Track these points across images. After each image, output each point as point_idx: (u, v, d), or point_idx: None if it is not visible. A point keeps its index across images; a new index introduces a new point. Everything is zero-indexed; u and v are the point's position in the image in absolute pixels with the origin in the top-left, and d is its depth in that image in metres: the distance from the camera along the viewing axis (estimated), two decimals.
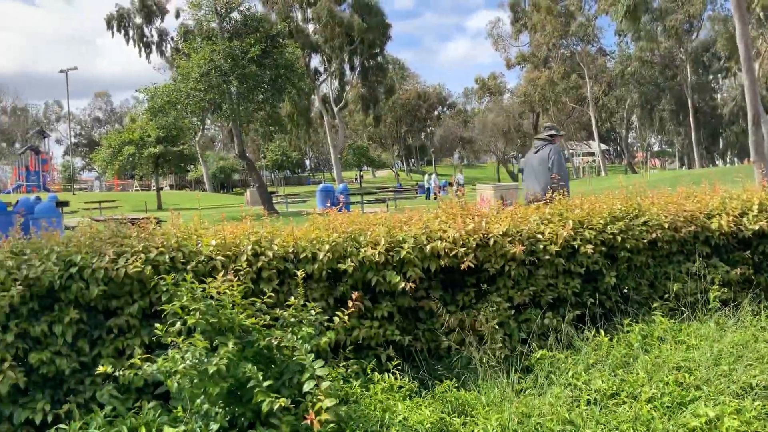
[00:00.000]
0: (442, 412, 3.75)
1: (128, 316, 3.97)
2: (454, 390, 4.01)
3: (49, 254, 3.89)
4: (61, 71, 53.62)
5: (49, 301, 3.88)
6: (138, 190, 62.56)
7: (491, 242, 4.72)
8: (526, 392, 4.07)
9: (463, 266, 4.59)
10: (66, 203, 28.98)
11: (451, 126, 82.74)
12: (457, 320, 4.58)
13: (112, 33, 59.58)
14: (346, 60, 52.81)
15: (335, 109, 53.45)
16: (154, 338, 3.91)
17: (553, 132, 8.34)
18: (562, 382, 4.10)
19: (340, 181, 48.11)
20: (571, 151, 71.09)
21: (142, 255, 3.96)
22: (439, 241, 4.63)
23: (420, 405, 3.80)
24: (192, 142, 48.09)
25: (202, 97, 22.99)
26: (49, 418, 3.66)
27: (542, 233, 4.99)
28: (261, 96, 24.83)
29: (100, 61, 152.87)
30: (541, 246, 4.92)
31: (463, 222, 4.84)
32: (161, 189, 42.94)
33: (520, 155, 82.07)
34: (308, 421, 2.98)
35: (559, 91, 58.70)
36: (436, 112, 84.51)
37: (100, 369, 3.36)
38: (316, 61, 53.90)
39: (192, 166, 52.35)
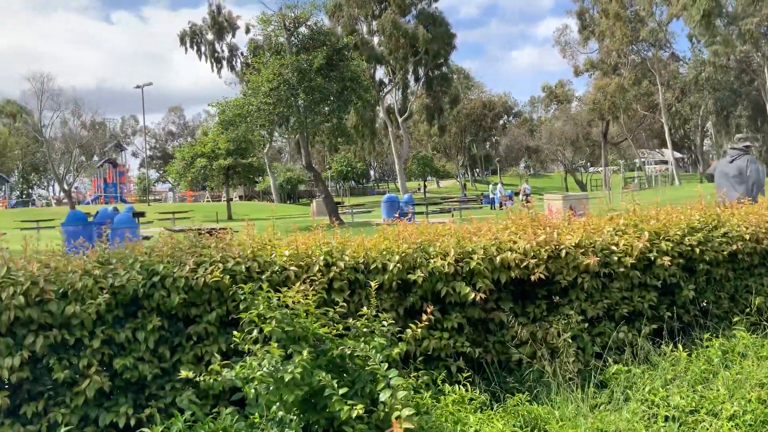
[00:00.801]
0: (514, 426, 3.71)
1: (207, 324, 4.10)
2: (527, 404, 3.96)
3: (133, 263, 4.07)
4: (137, 87, 56.09)
5: (132, 308, 4.06)
6: (209, 201, 64.47)
7: (563, 253, 4.65)
8: (601, 408, 3.98)
9: (533, 278, 4.54)
10: (142, 214, 30.05)
11: (517, 135, 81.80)
12: (528, 332, 4.53)
13: (185, 49, 61.84)
14: (411, 71, 53.07)
15: (400, 120, 53.73)
16: (231, 345, 4.03)
17: (747, 143, 8.95)
18: (639, 398, 3.99)
19: (405, 191, 48.26)
20: (642, 160, 68.98)
21: (220, 265, 4.09)
22: (510, 252, 4.60)
23: (492, 418, 3.77)
24: (260, 153, 49.25)
25: (271, 111, 23.57)
26: (132, 422, 3.81)
27: (616, 244, 4.89)
28: (327, 108, 25.28)
29: (173, 76, 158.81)
30: (616, 258, 4.82)
31: (533, 233, 4.79)
32: (231, 200, 44.11)
33: (588, 164, 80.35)
34: (391, 430, 3.00)
35: (630, 98, 57.16)
36: (501, 121, 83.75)
37: (182, 374, 3.49)
38: (380, 73, 54.42)
39: (260, 178, 53.62)
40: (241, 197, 68.23)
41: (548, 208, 12.46)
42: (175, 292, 4.01)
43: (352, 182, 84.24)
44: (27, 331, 3.79)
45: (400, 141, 56.74)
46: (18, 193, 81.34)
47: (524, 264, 4.56)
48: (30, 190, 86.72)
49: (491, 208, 34.51)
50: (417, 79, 54.01)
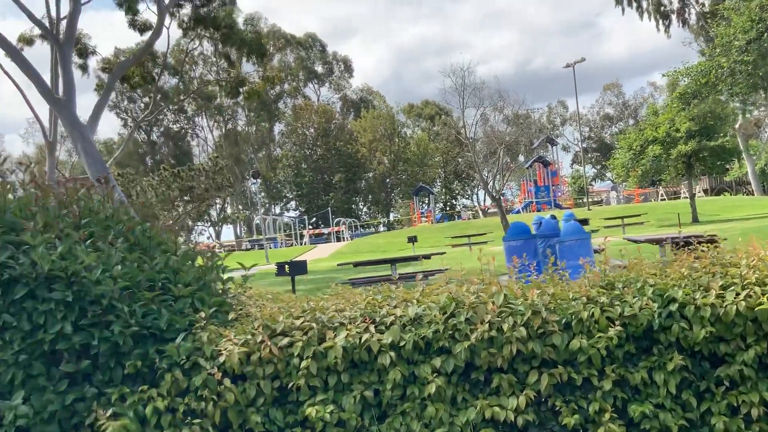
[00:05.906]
0: None
1: (741, 365, 4.05)
2: None
3: (642, 288, 4.25)
4: (567, 66, 58.42)
5: (644, 343, 4.24)
6: (664, 199, 63.64)
7: None
8: None
9: None
10: (585, 221, 31.08)
11: None
12: None
13: (622, 9, 62.18)
14: None
15: None
16: None
17: None
18: None
19: None
20: None
21: (756, 288, 4.01)
22: None
23: None
24: (731, 131, 46.71)
25: (751, 71, 22.16)
26: None
27: None
28: None
29: (602, 48, 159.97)
30: None
31: None
32: (695, 195, 42.72)
33: None
34: None
35: None
36: None
37: None
38: None
39: (733, 163, 50.81)
40: (705, 192, 65.72)
41: None
42: (698, 323, 4.06)
43: None
44: (529, 368, 4.26)
45: None
46: (441, 205, 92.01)
47: None
48: (453, 201, 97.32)
49: None
50: None
